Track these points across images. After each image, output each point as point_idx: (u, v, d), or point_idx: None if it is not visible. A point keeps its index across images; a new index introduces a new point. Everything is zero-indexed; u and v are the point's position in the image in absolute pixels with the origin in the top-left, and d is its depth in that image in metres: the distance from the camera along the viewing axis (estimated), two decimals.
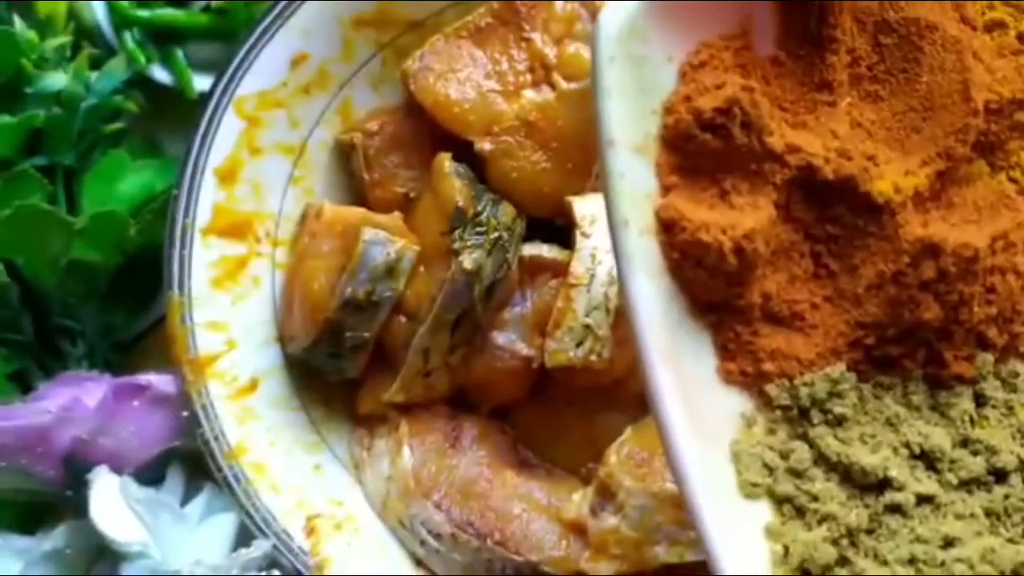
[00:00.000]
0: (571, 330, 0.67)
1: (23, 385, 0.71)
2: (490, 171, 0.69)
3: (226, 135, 0.69)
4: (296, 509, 0.68)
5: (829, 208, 0.45)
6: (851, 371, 0.45)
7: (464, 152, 0.69)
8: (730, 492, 0.44)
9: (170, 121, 0.77)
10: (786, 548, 0.43)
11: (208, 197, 0.69)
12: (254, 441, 0.69)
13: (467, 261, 0.66)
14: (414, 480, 0.68)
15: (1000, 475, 0.45)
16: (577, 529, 0.67)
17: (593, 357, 0.67)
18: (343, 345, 0.68)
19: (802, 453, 0.44)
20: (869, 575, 0.42)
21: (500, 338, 0.69)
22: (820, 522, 0.43)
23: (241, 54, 0.68)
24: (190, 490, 0.70)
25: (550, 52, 0.69)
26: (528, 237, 0.70)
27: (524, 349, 0.69)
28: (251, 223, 0.70)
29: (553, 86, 0.69)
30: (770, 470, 0.44)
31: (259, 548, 0.66)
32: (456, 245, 0.66)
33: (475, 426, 0.71)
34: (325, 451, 0.71)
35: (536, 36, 0.70)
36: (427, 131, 0.70)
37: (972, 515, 0.44)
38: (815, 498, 0.44)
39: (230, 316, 0.69)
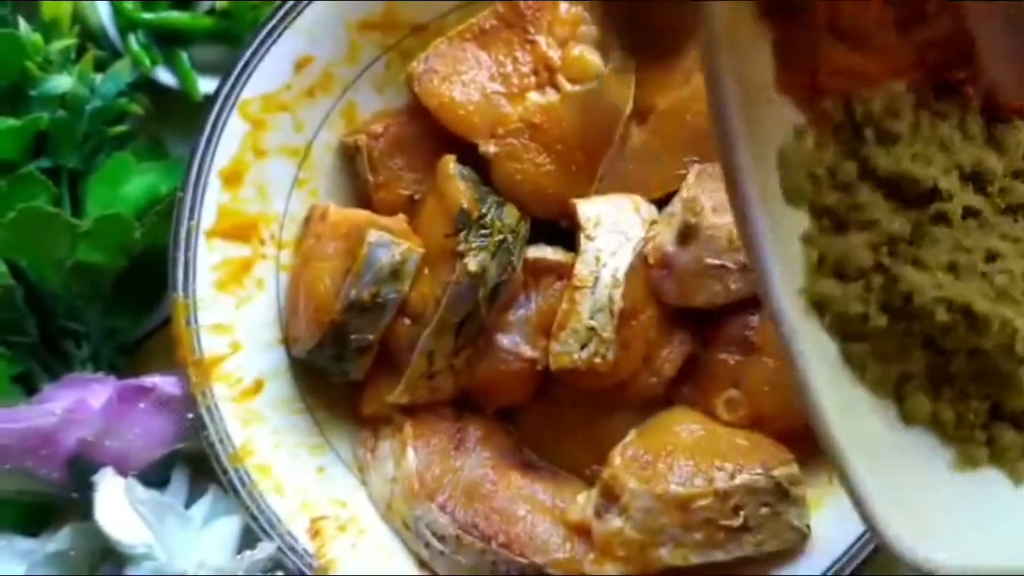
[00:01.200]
0: (575, 332, 0.67)
1: (28, 387, 0.71)
2: (494, 173, 0.69)
3: (231, 137, 0.69)
4: (300, 511, 0.69)
5: None
6: (911, 92, 0.44)
7: (468, 154, 0.69)
8: (774, 196, 0.42)
9: (175, 123, 0.77)
10: (822, 255, 0.42)
11: (213, 199, 0.69)
12: (259, 443, 0.69)
13: (471, 263, 0.66)
14: (418, 482, 0.68)
15: None
16: (581, 531, 0.67)
17: (597, 359, 0.67)
18: (348, 347, 0.68)
19: (850, 168, 0.42)
20: (908, 279, 0.41)
21: (504, 340, 0.69)
22: (861, 229, 0.42)
23: (246, 57, 0.69)
24: (195, 492, 0.70)
25: (554, 54, 0.69)
26: (532, 239, 0.70)
27: (528, 351, 0.69)
28: (256, 225, 0.70)
29: (557, 88, 0.69)
30: (816, 180, 0.42)
31: (264, 550, 0.66)
32: (461, 247, 0.66)
33: (479, 428, 0.71)
34: (329, 453, 0.71)
35: (540, 38, 0.70)
36: (431, 133, 0.70)
37: (1017, 239, 0.43)
38: (859, 208, 0.42)
39: (235, 318, 0.69)
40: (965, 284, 0.41)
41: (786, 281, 0.40)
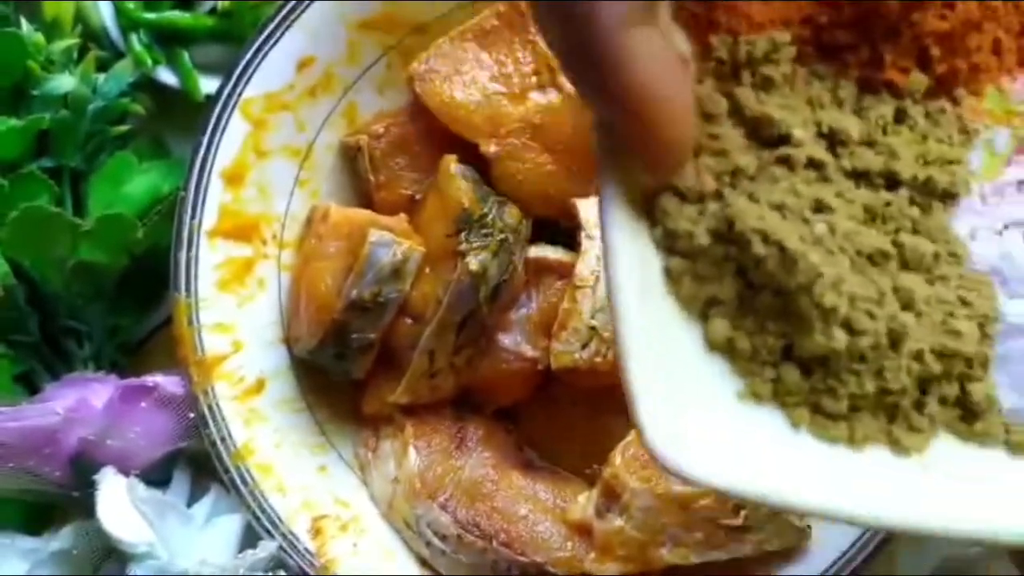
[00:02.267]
0: (576, 331, 0.67)
1: (30, 387, 0.71)
2: (496, 173, 0.69)
3: (233, 137, 0.69)
4: (302, 510, 0.69)
5: None
6: (794, 46, 0.45)
7: (470, 154, 0.69)
8: None
9: (176, 123, 0.77)
10: None
11: (215, 199, 0.69)
12: (260, 442, 0.69)
13: (473, 263, 0.66)
14: (420, 481, 0.68)
15: (892, 183, 0.46)
16: (582, 530, 0.67)
17: (598, 359, 0.67)
18: (349, 346, 0.68)
19: (720, 103, 0.44)
20: (736, 206, 0.43)
21: (505, 340, 0.69)
22: (711, 156, 0.44)
23: (247, 57, 0.69)
24: (196, 491, 0.70)
25: None
26: (534, 239, 0.70)
27: (529, 351, 0.69)
28: (257, 225, 0.70)
29: (559, 88, 0.69)
30: None
31: (265, 549, 0.67)
32: (462, 247, 0.66)
33: (480, 427, 0.71)
34: (331, 452, 0.71)
35: (542, 38, 0.70)
36: (433, 133, 0.70)
37: (851, 201, 0.45)
38: (715, 137, 0.44)
39: (236, 317, 0.70)
40: (786, 224, 0.43)
41: (625, 188, 0.43)
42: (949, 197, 0.47)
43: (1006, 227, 0.47)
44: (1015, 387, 0.45)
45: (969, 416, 0.45)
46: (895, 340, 0.43)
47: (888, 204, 0.45)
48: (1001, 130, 0.48)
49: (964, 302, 0.45)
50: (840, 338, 0.43)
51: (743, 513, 0.64)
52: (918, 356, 0.44)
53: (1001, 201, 0.48)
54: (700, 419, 0.43)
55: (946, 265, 0.46)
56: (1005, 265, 0.47)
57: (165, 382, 0.69)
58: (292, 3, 0.68)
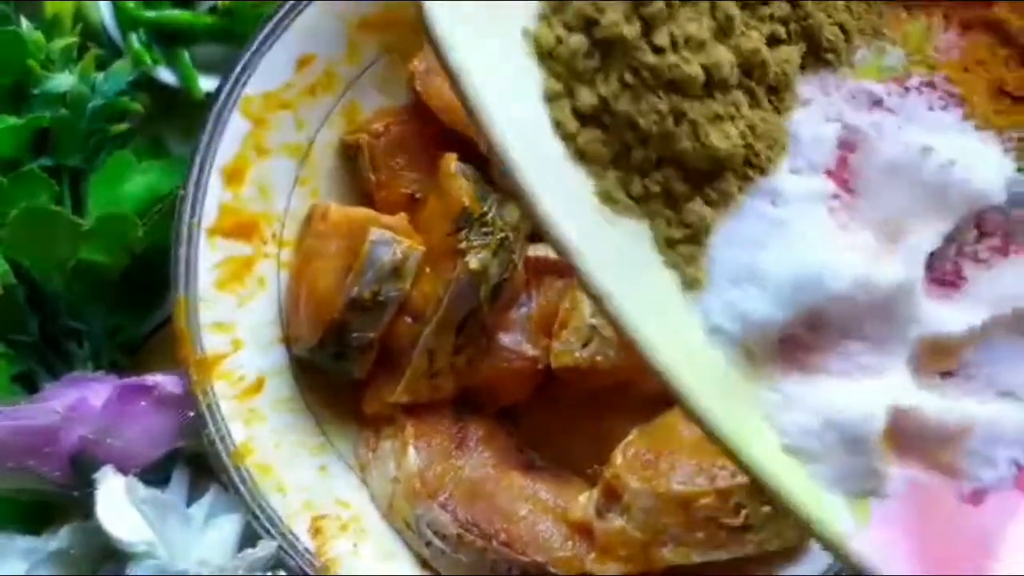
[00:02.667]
0: (577, 331, 0.67)
1: (29, 386, 0.71)
2: (496, 172, 0.69)
3: (232, 136, 0.69)
4: (302, 510, 0.68)
5: None
6: None
7: (470, 153, 0.69)
8: None
9: (176, 122, 0.77)
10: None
11: (214, 198, 0.69)
12: (260, 442, 0.69)
13: (473, 262, 0.66)
14: (420, 481, 0.68)
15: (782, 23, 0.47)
16: (583, 530, 0.67)
17: (599, 358, 0.67)
18: (349, 345, 0.68)
19: None
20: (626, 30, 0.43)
21: (506, 339, 0.69)
22: None
23: (247, 55, 0.69)
24: (196, 491, 0.70)
25: None
26: (534, 238, 0.70)
27: (530, 350, 0.69)
28: (257, 223, 0.70)
29: None
30: None
31: (265, 549, 0.66)
32: (462, 245, 0.66)
33: (481, 427, 0.71)
34: (331, 452, 0.71)
35: None
36: (433, 132, 0.70)
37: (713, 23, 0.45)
38: None
39: (236, 316, 0.69)
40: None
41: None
42: (822, 62, 0.49)
43: (830, 120, 0.49)
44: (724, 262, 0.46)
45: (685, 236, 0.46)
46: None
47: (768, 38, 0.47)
48: (900, 53, 0.51)
49: (753, 129, 0.46)
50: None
51: (744, 513, 0.64)
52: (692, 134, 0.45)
53: (847, 101, 0.50)
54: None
55: (768, 94, 0.47)
56: (801, 138, 0.48)
57: (164, 381, 0.68)
58: (292, 1, 0.68)
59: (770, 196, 0.47)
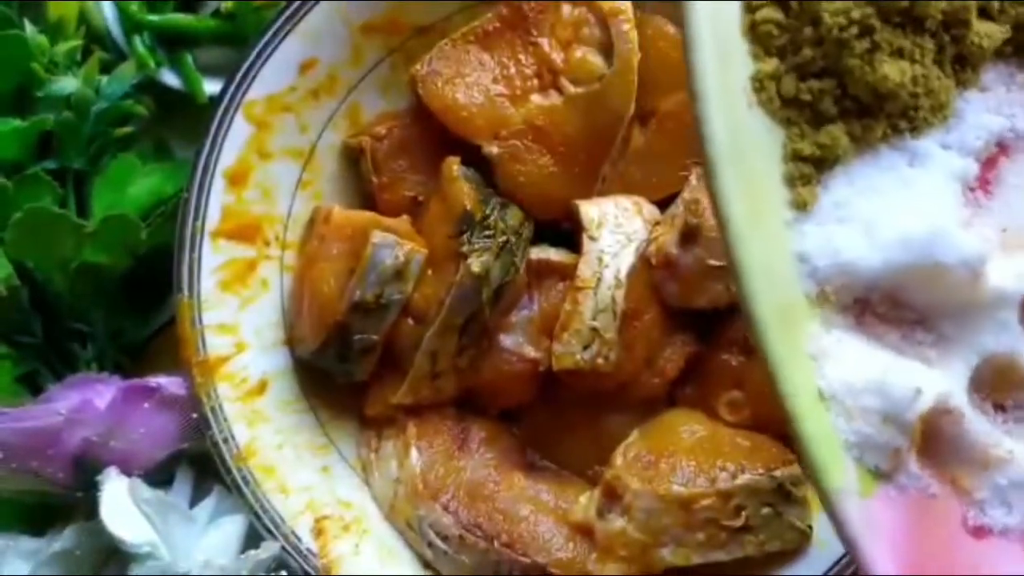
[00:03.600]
0: (578, 333, 0.67)
1: (33, 388, 0.71)
2: (498, 175, 0.69)
3: (236, 139, 0.69)
4: (304, 511, 0.69)
5: None
6: None
7: (472, 156, 0.69)
8: None
9: (180, 125, 0.77)
10: None
11: (217, 200, 0.69)
12: (263, 443, 0.69)
13: (475, 264, 0.66)
14: (422, 482, 0.68)
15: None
16: (584, 531, 0.67)
17: (600, 360, 0.67)
18: (351, 348, 0.68)
19: None
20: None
21: (507, 341, 0.69)
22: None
23: (250, 58, 0.69)
24: (199, 492, 0.70)
25: (557, 57, 0.70)
26: (535, 240, 0.70)
27: (531, 352, 0.69)
28: (260, 226, 0.71)
29: (560, 90, 0.69)
30: None
31: (268, 550, 0.67)
32: (464, 248, 0.67)
33: (482, 429, 0.71)
34: (333, 453, 0.71)
35: (543, 41, 0.70)
36: (435, 135, 0.71)
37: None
38: None
39: (239, 318, 0.70)
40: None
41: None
42: (1017, 56, 0.48)
43: (1001, 115, 0.49)
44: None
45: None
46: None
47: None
48: None
49: (926, 80, 0.46)
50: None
51: (744, 514, 0.65)
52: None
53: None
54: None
55: (955, 62, 0.47)
56: (966, 118, 0.48)
57: (168, 383, 0.69)
58: (295, 5, 0.69)
59: (910, 156, 0.46)
